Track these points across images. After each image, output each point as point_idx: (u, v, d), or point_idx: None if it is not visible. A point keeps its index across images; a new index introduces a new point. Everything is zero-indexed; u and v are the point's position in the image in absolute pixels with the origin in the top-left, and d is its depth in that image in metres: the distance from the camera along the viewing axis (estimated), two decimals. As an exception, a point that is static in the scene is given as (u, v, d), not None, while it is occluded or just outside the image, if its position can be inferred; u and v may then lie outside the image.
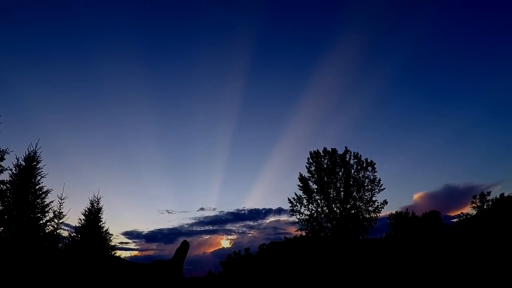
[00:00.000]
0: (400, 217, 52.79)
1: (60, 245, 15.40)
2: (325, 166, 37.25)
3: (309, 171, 37.52)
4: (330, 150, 37.69)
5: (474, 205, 52.93)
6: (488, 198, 51.93)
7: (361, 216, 35.32)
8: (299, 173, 37.74)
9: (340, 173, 36.72)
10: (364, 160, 36.87)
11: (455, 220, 58.31)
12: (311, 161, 37.88)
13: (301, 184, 37.20)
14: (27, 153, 14.06)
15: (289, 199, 37.07)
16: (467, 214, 55.52)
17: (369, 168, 36.62)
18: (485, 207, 51.18)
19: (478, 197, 52.97)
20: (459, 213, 65.12)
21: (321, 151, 37.86)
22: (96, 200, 18.80)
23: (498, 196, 50.23)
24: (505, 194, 48.74)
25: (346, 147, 37.35)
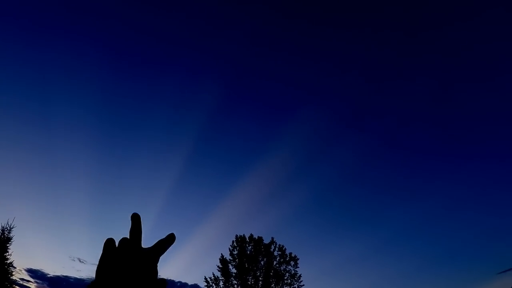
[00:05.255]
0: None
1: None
2: (248, 252, 36.69)
3: (231, 254, 36.62)
4: (257, 237, 37.45)
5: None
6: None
7: (275, 310, 34.35)
8: (221, 254, 36.70)
9: (262, 262, 36.24)
10: (288, 254, 36.92)
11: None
12: (235, 245, 37.21)
13: (220, 266, 35.97)
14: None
15: (205, 278, 35.43)
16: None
17: (292, 263, 36.56)
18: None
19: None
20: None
21: (247, 237, 37.48)
22: (8, 228, 16.79)
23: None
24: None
25: (272, 238, 37.33)
